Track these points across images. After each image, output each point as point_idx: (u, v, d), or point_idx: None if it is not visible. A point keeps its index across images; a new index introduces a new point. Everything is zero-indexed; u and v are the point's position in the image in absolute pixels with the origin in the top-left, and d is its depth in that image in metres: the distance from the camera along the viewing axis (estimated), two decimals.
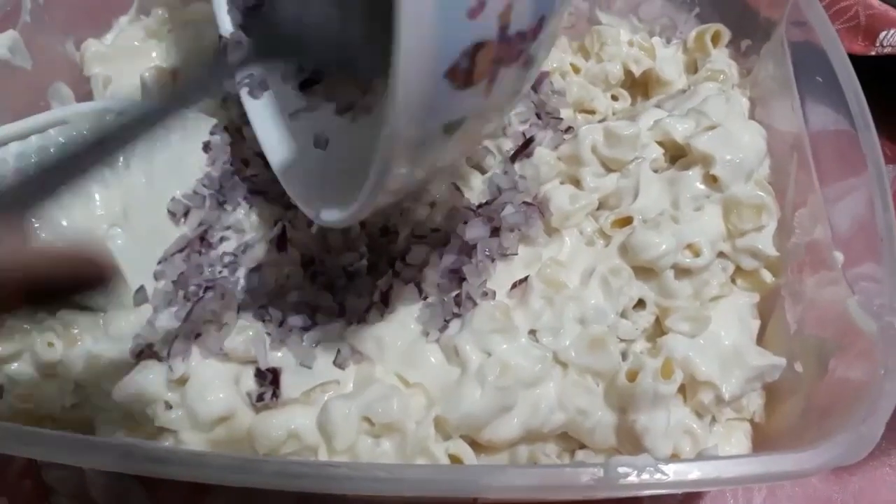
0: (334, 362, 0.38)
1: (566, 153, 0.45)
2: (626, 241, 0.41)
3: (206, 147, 0.46)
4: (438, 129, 0.27)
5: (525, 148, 0.45)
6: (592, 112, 0.52)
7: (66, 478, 0.43)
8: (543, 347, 0.38)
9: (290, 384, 0.37)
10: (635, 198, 0.43)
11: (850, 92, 0.40)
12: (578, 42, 0.56)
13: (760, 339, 0.41)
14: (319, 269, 0.42)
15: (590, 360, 0.38)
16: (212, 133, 0.47)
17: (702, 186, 0.42)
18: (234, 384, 0.37)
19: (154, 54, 0.53)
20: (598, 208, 0.44)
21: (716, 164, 0.41)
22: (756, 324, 0.41)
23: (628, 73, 0.53)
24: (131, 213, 0.42)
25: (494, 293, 0.40)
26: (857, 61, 0.41)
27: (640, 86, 0.55)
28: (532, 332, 0.39)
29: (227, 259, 0.43)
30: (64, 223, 0.39)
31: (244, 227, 0.45)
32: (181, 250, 0.43)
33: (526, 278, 0.40)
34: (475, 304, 0.39)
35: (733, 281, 0.42)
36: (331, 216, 0.35)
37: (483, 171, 0.46)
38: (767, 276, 0.42)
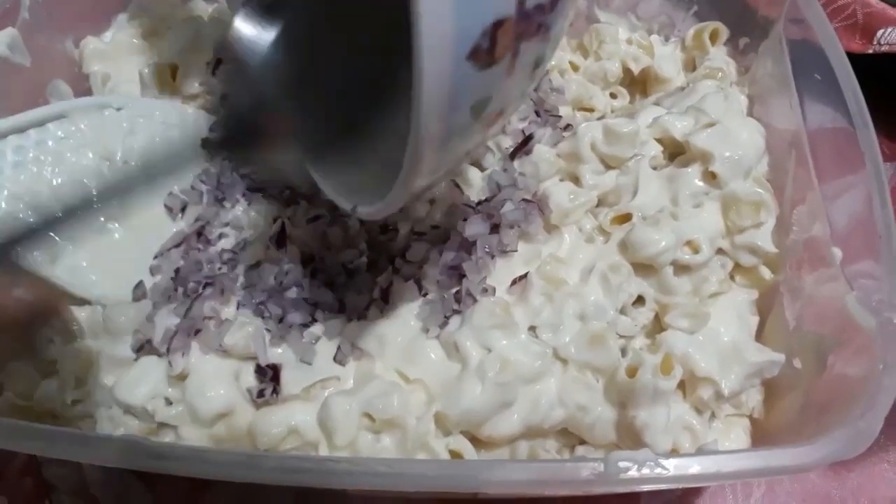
0: (334, 358, 0.39)
1: (565, 150, 0.46)
2: (626, 238, 0.41)
3: (206, 143, 0.46)
4: (465, 112, 0.27)
5: (524, 145, 0.45)
6: (591, 110, 0.52)
7: (67, 475, 0.43)
8: (543, 343, 0.38)
9: (291, 380, 0.37)
10: (634, 195, 0.43)
11: (848, 90, 0.40)
12: (577, 40, 0.56)
13: (759, 336, 0.41)
14: (319, 266, 0.42)
15: (589, 356, 0.38)
16: (211, 130, 0.47)
17: (701, 183, 0.42)
18: (234, 380, 0.37)
19: (153, 51, 0.53)
20: (597, 205, 0.44)
21: (714, 161, 0.42)
22: (755, 320, 0.41)
23: (627, 70, 0.53)
24: (129, 209, 0.42)
25: (494, 290, 0.40)
26: (855, 59, 0.41)
27: (639, 84, 0.55)
28: (532, 329, 0.39)
29: (226, 256, 0.43)
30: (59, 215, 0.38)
31: (243, 224, 0.45)
32: (177, 245, 0.43)
33: (526, 275, 0.41)
34: (475, 300, 0.39)
35: (732, 277, 0.43)
36: (367, 208, 0.35)
37: (482, 169, 0.46)
38: (766, 273, 0.42)
